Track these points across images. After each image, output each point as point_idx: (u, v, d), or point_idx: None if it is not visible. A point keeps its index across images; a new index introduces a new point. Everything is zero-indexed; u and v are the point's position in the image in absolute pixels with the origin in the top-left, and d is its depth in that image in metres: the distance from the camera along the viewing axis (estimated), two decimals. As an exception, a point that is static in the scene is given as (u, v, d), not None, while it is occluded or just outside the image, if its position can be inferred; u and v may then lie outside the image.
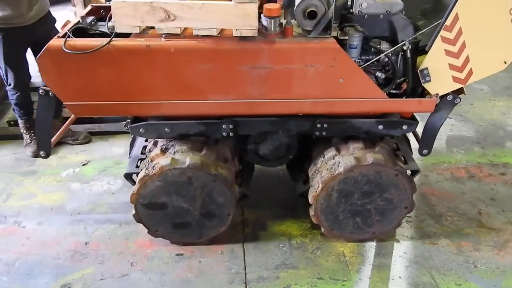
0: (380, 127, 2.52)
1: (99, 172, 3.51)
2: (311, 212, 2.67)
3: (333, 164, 2.53)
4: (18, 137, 3.81)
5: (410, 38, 2.35)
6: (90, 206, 3.12)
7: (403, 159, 2.74)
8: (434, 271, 2.62)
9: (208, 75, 2.28)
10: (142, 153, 2.83)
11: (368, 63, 2.38)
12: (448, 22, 2.22)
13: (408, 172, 2.63)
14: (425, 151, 2.66)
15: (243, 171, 2.90)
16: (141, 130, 2.51)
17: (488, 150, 3.83)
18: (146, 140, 2.91)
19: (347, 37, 2.31)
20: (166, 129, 2.50)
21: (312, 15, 2.19)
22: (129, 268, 2.63)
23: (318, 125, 2.51)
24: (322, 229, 2.75)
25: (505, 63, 2.29)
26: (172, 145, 2.57)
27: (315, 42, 2.24)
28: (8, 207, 3.13)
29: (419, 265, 2.66)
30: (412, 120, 2.56)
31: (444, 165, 3.64)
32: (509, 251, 2.76)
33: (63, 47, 2.14)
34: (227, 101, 2.36)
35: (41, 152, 2.60)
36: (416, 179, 3.48)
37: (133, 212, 2.59)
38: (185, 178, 2.48)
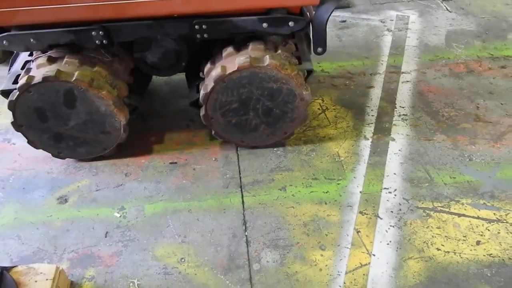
0: (265, 25, 2.33)
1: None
2: (201, 112, 2.54)
3: (227, 63, 2.39)
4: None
5: None
6: (79, 120, 3.04)
7: (298, 60, 2.60)
8: (429, 166, 2.62)
9: None
10: (22, 69, 2.61)
11: None
12: None
13: (304, 73, 2.51)
14: (319, 49, 2.48)
15: (136, 82, 2.74)
16: (4, 42, 2.30)
17: (489, 44, 3.67)
18: (31, 55, 2.66)
19: None
20: (32, 40, 2.29)
21: None
22: (124, 178, 2.63)
23: (197, 27, 2.33)
24: (213, 132, 2.66)
25: None
26: (62, 57, 2.39)
27: None
28: (-4, 125, 3.07)
29: (414, 161, 2.65)
30: (299, 16, 2.36)
31: (443, 61, 3.50)
32: (505, 143, 2.74)
33: None
34: (90, 4, 2.14)
35: None
36: (412, 76, 3.39)
37: (15, 96, 2.37)
38: (68, 92, 2.35)
